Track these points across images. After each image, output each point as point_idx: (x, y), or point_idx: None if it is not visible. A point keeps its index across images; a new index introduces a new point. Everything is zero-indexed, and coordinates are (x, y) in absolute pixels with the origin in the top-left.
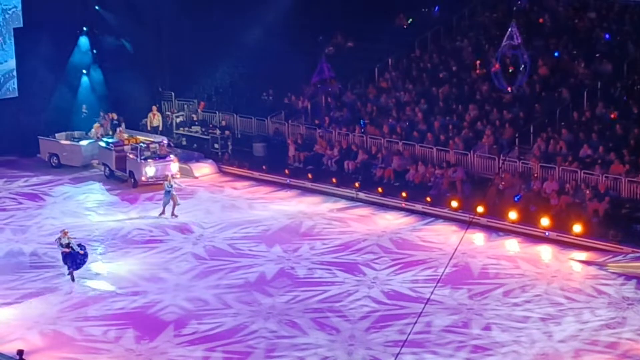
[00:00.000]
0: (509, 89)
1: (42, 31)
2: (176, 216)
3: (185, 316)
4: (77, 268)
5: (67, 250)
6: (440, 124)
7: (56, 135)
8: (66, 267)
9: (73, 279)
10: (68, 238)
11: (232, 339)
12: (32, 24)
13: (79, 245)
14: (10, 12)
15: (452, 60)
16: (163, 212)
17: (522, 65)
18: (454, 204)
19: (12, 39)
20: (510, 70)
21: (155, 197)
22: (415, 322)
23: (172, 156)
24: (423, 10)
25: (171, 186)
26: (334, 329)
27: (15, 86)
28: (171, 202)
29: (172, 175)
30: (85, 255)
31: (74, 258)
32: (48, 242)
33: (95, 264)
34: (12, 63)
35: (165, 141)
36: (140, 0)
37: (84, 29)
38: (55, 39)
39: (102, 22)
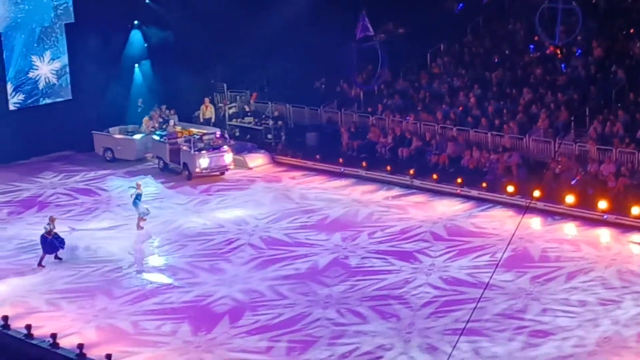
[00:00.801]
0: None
1: (93, 26)
2: (142, 228)
3: (240, 307)
4: (55, 251)
5: (48, 235)
6: (494, 108)
7: (110, 129)
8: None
9: (60, 258)
10: (54, 225)
11: (292, 329)
12: (83, 19)
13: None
14: (61, 8)
15: (505, 44)
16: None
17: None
18: (510, 188)
19: (64, 35)
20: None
21: (211, 189)
22: (474, 309)
23: (225, 147)
24: None
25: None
26: (395, 316)
27: (69, 82)
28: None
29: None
30: (62, 242)
31: (53, 243)
32: (102, 237)
33: (152, 257)
34: (64, 59)
35: (219, 133)
36: None
37: (135, 22)
38: (107, 33)
39: (153, 16)
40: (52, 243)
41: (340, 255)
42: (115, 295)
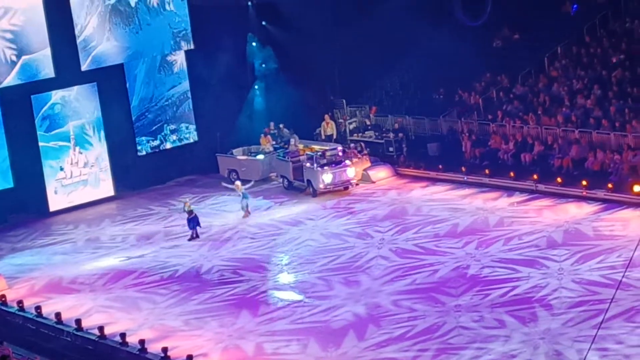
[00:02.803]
0: None
1: (211, 50)
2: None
3: (364, 321)
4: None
5: (191, 215)
6: (616, 108)
7: (233, 151)
8: (191, 231)
9: (197, 236)
10: (189, 206)
11: (428, 337)
12: (201, 44)
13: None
14: (180, 34)
15: (623, 42)
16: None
17: None
18: (637, 188)
19: (185, 61)
20: None
21: (341, 204)
22: (605, 313)
23: (347, 162)
24: None
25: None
26: (532, 321)
27: (191, 107)
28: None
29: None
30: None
31: (197, 220)
32: (228, 257)
33: (282, 275)
34: (185, 85)
35: (340, 148)
36: (307, 12)
37: (253, 44)
38: (225, 56)
39: (270, 37)
40: (194, 220)
41: (473, 264)
42: (249, 315)
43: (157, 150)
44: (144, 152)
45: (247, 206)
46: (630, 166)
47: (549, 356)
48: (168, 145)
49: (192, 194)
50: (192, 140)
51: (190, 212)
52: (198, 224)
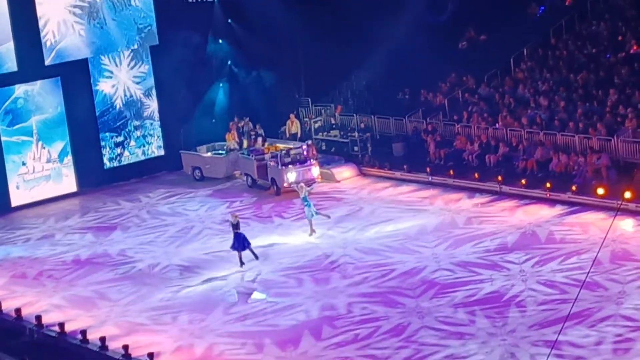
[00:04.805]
0: None
1: (176, 47)
2: (314, 232)
3: (320, 322)
4: (243, 249)
5: (237, 230)
6: (582, 111)
7: (198, 148)
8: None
9: (242, 263)
10: (236, 218)
11: (399, 338)
12: (166, 40)
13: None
14: (145, 30)
15: (589, 45)
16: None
17: None
18: (600, 191)
19: (149, 57)
20: None
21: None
22: (567, 317)
23: (312, 160)
24: None
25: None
26: (502, 320)
27: (156, 105)
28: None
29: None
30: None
31: (242, 239)
32: (188, 256)
33: (247, 273)
34: (150, 81)
35: (305, 146)
36: (273, 11)
37: (219, 41)
38: (190, 53)
39: (235, 35)
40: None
41: (433, 265)
42: (213, 314)
43: (120, 162)
44: (108, 165)
45: (312, 216)
46: (594, 169)
47: (503, 357)
48: (132, 143)
49: (156, 191)
50: (156, 151)
51: (236, 224)
52: (244, 244)
